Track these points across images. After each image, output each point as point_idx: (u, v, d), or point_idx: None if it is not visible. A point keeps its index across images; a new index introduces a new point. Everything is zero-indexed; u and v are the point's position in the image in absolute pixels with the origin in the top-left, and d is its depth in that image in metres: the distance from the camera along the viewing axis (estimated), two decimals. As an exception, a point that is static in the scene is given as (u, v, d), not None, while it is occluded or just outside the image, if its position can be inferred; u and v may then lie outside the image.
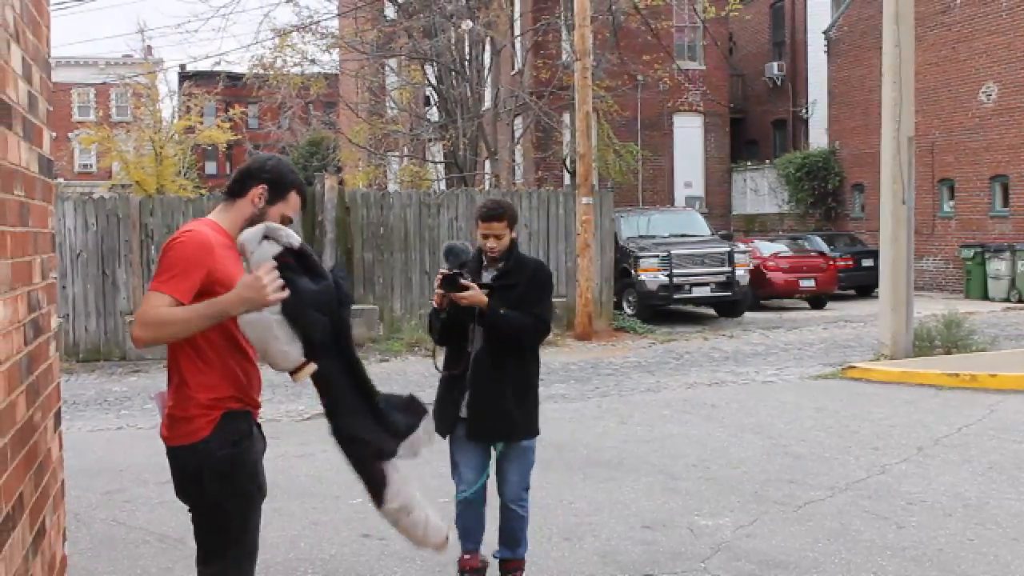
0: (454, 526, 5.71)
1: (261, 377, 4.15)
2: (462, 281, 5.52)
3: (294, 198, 4.11)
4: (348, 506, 7.69)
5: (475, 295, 5.51)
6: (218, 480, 3.87)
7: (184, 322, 3.70)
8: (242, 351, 3.97)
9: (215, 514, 3.93)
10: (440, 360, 5.89)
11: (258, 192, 4.04)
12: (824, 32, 33.38)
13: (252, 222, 3.98)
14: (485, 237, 5.70)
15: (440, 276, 5.60)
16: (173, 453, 3.95)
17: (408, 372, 15.11)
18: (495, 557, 5.91)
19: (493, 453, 5.76)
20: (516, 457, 5.75)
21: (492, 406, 5.60)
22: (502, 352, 5.61)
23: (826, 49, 33.09)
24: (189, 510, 4.06)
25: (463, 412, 5.65)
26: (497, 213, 5.68)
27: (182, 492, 4.02)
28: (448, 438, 5.73)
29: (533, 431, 5.77)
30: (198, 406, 3.86)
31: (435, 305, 5.66)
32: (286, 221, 4.06)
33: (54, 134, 4.80)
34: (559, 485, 8.09)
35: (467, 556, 5.84)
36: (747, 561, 6.24)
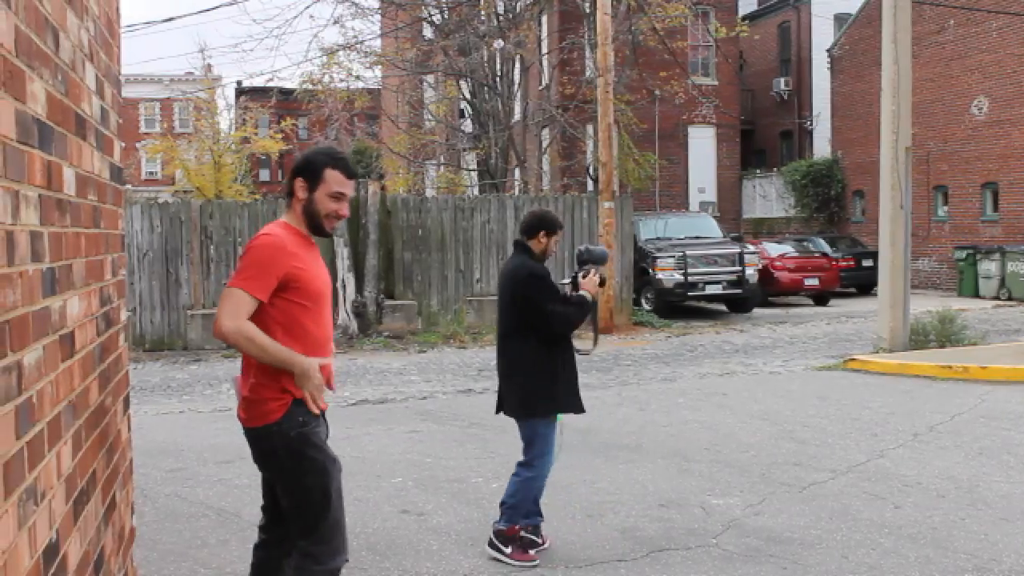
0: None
1: (331, 370, 4.16)
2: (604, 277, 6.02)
3: (330, 174, 4.05)
4: (389, 484, 7.71)
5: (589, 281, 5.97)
6: (292, 457, 3.93)
7: (260, 349, 3.80)
8: (315, 347, 4.00)
9: (297, 489, 3.98)
10: (585, 344, 6.48)
11: (299, 185, 4.07)
12: (827, 50, 33.19)
13: (307, 213, 4.04)
14: (556, 243, 6.05)
15: (598, 274, 5.98)
16: (250, 434, 4.02)
17: (444, 362, 15.13)
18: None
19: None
20: (557, 430, 6.04)
21: (573, 383, 6.05)
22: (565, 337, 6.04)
23: (829, 66, 32.90)
24: (265, 482, 4.15)
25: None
26: (560, 224, 6.09)
27: (264, 468, 4.09)
28: (547, 419, 5.91)
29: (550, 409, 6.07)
30: (272, 391, 3.90)
31: (592, 293, 5.96)
32: (337, 197, 4.06)
33: (123, 144, 4.84)
34: (582, 467, 8.09)
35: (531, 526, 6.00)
36: (755, 537, 6.23)
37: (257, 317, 3.86)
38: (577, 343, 6.20)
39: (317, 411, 3.96)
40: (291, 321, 3.92)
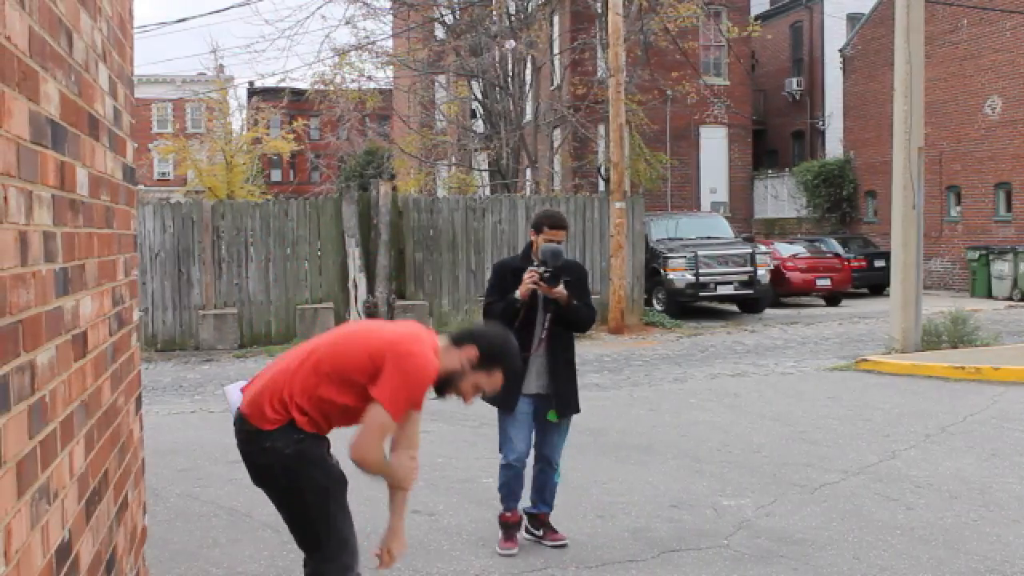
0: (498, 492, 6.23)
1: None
2: (561, 278, 5.98)
3: (497, 376, 3.98)
4: (400, 484, 7.72)
5: (560, 290, 5.96)
6: (288, 475, 3.86)
7: (379, 471, 3.84)
8: (348, 421, 3.93)
9: (296, 507, 3.93)
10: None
11: (470, 354, 3.95)
12: (840, 50, 33.10)
13: (451, 377, 3.93)
14: (548, 241, 6.03)
15: (537, 273, 5.92)
16: (245, 438, 3.94)
17: (455, 362, 15.12)
18: (528, 512, 6.33)
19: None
20: (566, 428, 6.22)
21: (566, 383, 6.13)
22: (562, 337, 6.13)
23: (841, 66, 32.82)
24: (275, 504, 4.07)
25: (533, 389, 6.06)
26: (564, 224, 6.18)
27: (260, 485, 4.02)
28: (500, 414, 6.19)
29: (577, 408, 6.26)
30: (279, 410, 3.84)
31: (521, 297, 5.95)
32: (478, 391, 4.00)
33: (136, 145, 4.85)
34: (593, 467, 8.09)
35: (509, 513, 6.19)
36: (767, 538, 6.22)
37: (342, 383, 3.82)
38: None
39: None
40: (351, 413, 3.85)
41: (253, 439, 3.91)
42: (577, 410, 6.25)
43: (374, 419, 3.72)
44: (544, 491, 6.27)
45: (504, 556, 6.04)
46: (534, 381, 6.06)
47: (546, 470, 6.23)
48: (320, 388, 3.83)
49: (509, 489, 6.17)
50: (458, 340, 4.00)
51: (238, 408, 4.01)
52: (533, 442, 6.18)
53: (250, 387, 4.05)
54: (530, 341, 6.01)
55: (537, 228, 6.09)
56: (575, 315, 6.08)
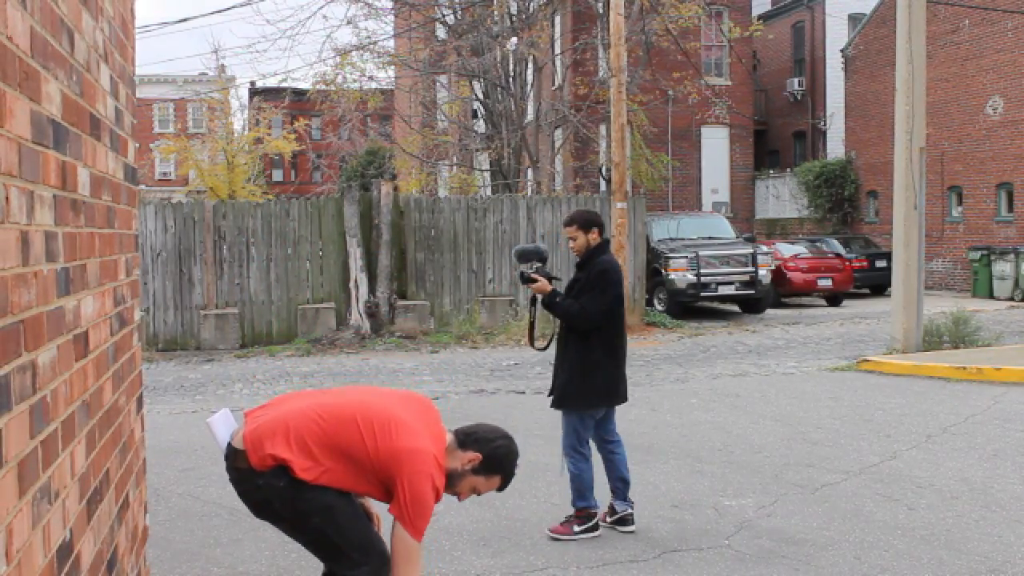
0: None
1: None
2: (528, 274, 6.37)
3: (495, 481, 4.04)
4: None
5: (539, 285, 6.33)
6: (288, 505, 3.85)
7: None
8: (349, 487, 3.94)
9: (307, 531, 3.92)
10: (537, 341, 6.97)
11: (472, 459, 3.98)
12: (841, 50, 33.10)
13: (454, 477, 3.96)
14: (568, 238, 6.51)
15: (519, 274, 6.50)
16: (239, 475, 3.92)
17: (456, 362, 15.14)
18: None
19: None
20: (565, 421, 6.49)
21: (561, 376, 6.43)
22: (571, 334, 6.37)
23: (843, 66, 32.81)
24: (286, 533, 4.06)
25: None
26: (568, 220, 6.52)
27: (264, 518, 4.02)
28: None
29: (579, 406, 6.40)
30: (272, 458, 3.83)
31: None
32: (474, 492, 4.06)
33: (138, 145, 4.86)
34: (595, 468, 8.08)
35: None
36: (768, 539, 6.22)
37: (344, 454, 3.81)
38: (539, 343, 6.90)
39: None
40: (355, 468, 3.85)
41: (246, 476, 3.91)
42: (568, 406, 6.40)
43: (407, 549, 3.74)
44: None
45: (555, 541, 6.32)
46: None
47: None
48: (322, 452, 3.83)
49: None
50: (463, 443, 4.02)
51: (231, 444, 3.97)
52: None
53: (253, 421, 3.99)
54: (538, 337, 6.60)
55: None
56: (554, 312, 6.38)
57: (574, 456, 6.42)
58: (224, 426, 4.07)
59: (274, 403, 4.11)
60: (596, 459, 6.63)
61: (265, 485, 3.83)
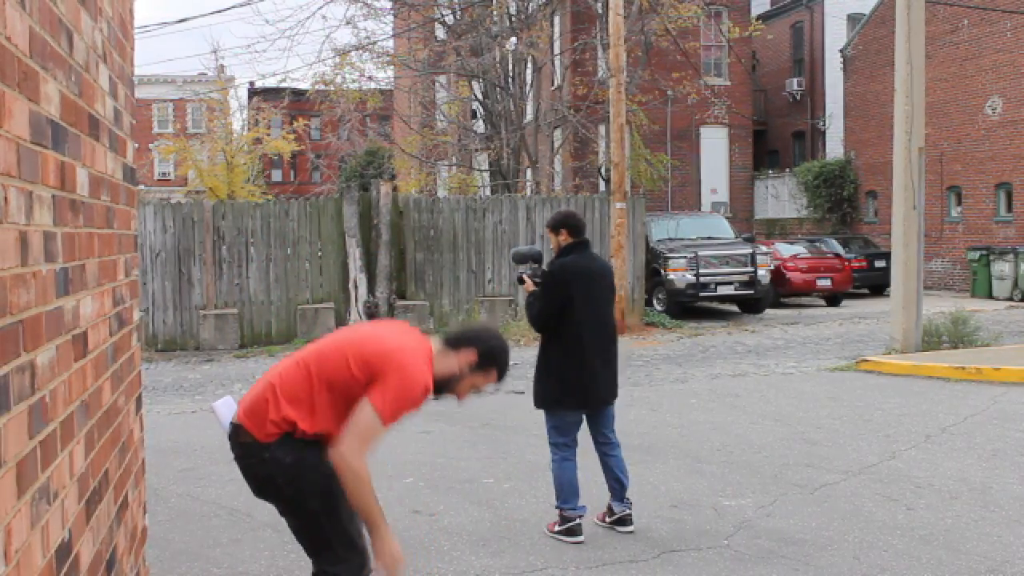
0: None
1: None
2: (520, 275, 6.50)
3: (493, 375, 4.07)
4: (401, 484, 7.73)
5: (526, 286, 6.47)
6: (291, 484, 3.81)
7: (365, 494, 3.66)
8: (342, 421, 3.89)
9: (300, 514, 3.88)
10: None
11: (469, 358, 4.00)
12: (841, 50, 33.11)
13: (450, 380, 3.98)
14: None
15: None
16: (242, 450, 3.89)
17: (456, 362, 15.12)
18: None
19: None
20: (546, 420, 6.57)
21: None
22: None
23: (842, 66, 32.82)
24: (281, 514, 4.01)
25: None
26: (546, 223, 6.69)
27: (263, 496, 3.96)
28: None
29: (540, 405, 6.48)
30: (278, 423, 3.79)
31: None
32: (474, 390, 4.07)
33: (137, 145, 4.86)
34: (594, 467, 8.08)
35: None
36: (767, 539, 6.22)
37: (335, 391, 3.77)
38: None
39: None
40: (343, 416, 3.79)
41: (251, 451, 3.86)
42: (536, 405, 6.48)
43: (363, 420, 3.66)
44: None
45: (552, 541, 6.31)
46: None
47: None
48: (316, 396, 3.80)
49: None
50: (455, 344, 4.03)
51: (232, 422, 3.96)
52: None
53: (246, 396, 4.00)
54: None
55: None
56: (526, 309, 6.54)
57: (553, 455, 6.41)
58: (228, 410, 4.07)
59: (266, 374, 4.10)
60: (588, 461, 6.63)
61: (271, 459, 3.79)
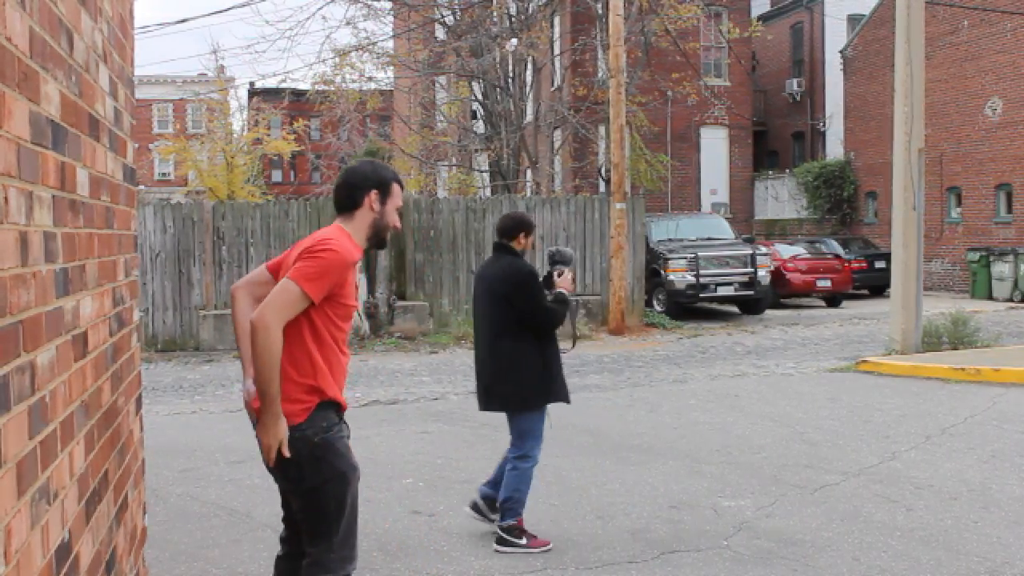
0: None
1: (346, 372, 4.09)
2: (551, 272, 6.31)
3: (397, 189, 4.17)
4: (400, 485, 7.72)
5: (562, 282, 6.27)
6: (313, 464, 3.80)
7: (270, 366, 3.62)
8: (338, 349, 3.93)
9: (314, 497, 3.86)
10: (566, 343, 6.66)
11: (373, 198, 4.09)
12: (840, 51, 33.12)
13: (378, 226, 4.09)
14: (531, 242, 6.36)
15: (571, 273, 6.39)
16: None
17: (455, 363, 15.14)
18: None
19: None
20: None
21: None
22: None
23: (842, 67, 32.83)
24: (282, 492, 4.00)
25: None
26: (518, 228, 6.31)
27: (280, 474, 3.91)
28: (540, 412, 6.22)
29: (529, 404, 6.24)
30: (297, 389, 3.79)
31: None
32: (397, 211, 4.18)
33: (136, 145, 4.86)
34: (593, 468, 8.09)
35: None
36: (767, 539, 6.22)
37: (293, 322, 3.77)
38: (561, 343, 6.43)
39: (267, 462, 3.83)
40: (322, 333, 3.85)
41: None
42: (529, 406, 6.31)
43: (279, 287, 3.74)
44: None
45: (543, 552, 6.08)
46: None
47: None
48: (293, 344, 3.82)
49: (527, 491, 6.28)
50: (351, 204, 4.12)
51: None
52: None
53: None
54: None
55: (529, 230, 6.25)
56: None
57: (532, 460, 6.31)
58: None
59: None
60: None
61: (301, 439, 3.77)
